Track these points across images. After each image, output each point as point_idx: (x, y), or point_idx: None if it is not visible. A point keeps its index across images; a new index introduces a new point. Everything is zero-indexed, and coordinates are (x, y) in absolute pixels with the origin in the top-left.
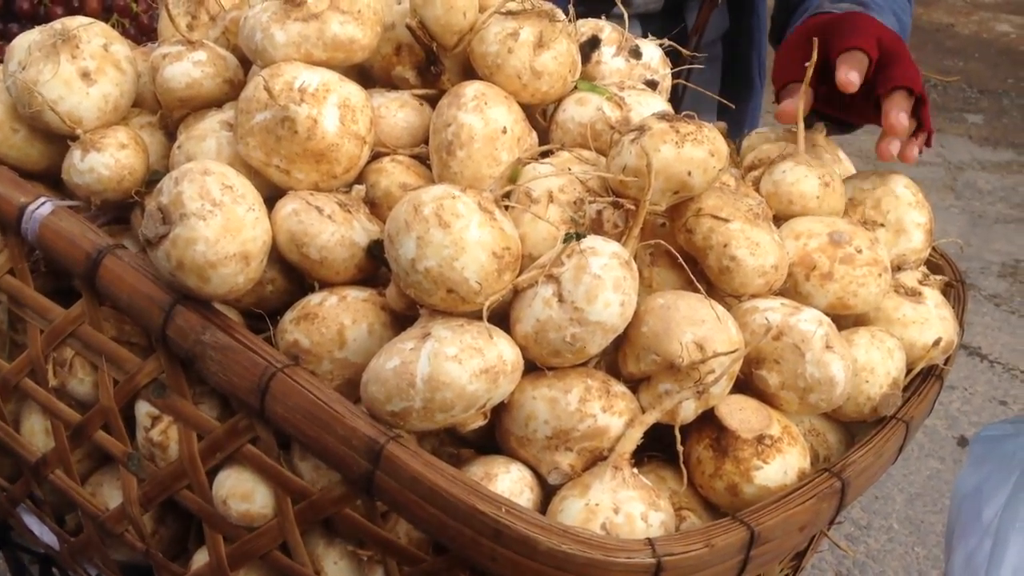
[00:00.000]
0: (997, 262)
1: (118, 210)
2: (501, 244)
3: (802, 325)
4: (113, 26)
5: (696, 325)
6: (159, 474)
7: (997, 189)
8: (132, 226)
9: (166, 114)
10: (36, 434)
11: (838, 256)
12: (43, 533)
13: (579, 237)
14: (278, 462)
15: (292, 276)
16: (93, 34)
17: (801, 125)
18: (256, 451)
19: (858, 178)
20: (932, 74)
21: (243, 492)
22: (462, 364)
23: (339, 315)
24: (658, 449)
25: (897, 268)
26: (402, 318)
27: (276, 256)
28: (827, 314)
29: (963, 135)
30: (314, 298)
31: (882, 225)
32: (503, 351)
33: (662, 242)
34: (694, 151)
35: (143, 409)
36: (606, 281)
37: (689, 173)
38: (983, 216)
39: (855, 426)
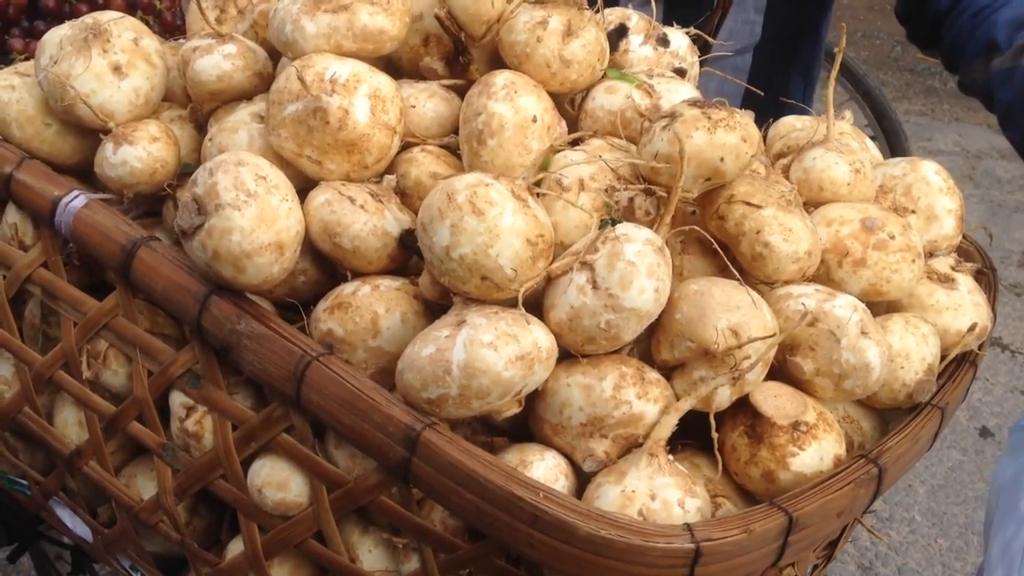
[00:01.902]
0: (1017, 251)
1: (150, 203)
2: (535, 231)
3: (837, 311)
4: None
5: (731, 311)
6: (194, 464)
7: (1017, 178)
8: (164, 219)
9: (196, 107)
10: (69, 426)
11: (871, 242)
12: (76, 525)
13: (614, 223)
14: (313, 451)
15: (324, 267)
16: (124, 28)
17: (831, 112)
18: (291, 440)
19: (888, 165)
20: None
21: (278, 481)
22: (498, 351)
23: (372, 304)
24: (692, 436)
25: (929, 254)
26: (435, 307)
27: (308, 247)
28: (860, 300)
29: (982, 123)
30: (347, 287)
31: (913, 211)
32: (538, 338)
33: (696, 228)
34: (727, 137)
35: (177, 400)
36: (640, 267)
37: (722, 159)
38: (1003, 205)
39: (889, 413)
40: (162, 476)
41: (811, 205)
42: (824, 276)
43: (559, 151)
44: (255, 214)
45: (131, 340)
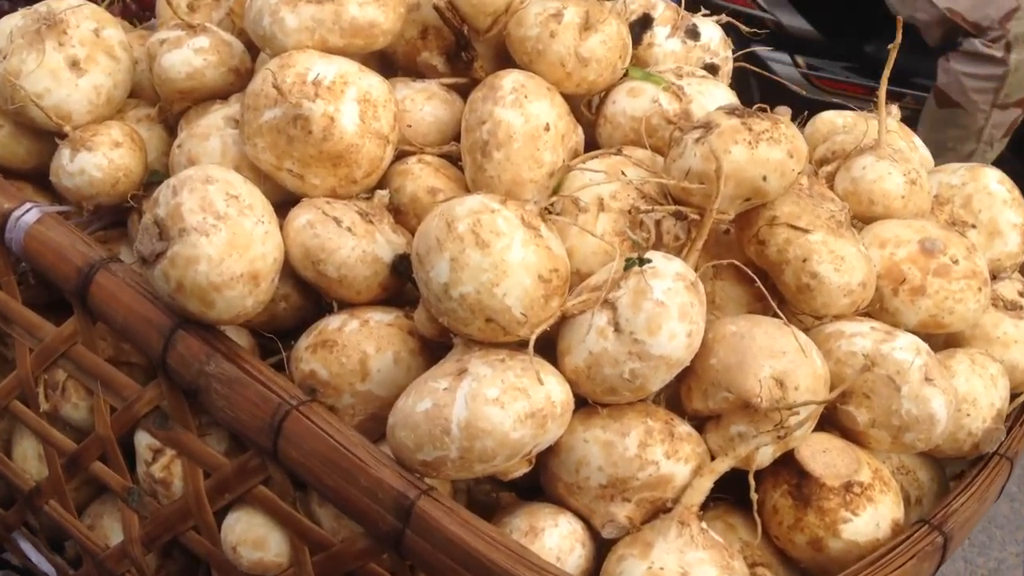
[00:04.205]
0: None
1: (113, 214)
2: (548, 266)
3: (897, 354)
4: (112, 3)
5: (775, 357)
6: (162, 512)
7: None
8: (129, 232)
9: (165, 107)
10: (29, 460)
11: (931, 267)
12: (40, 562)
13: (641, 263)
14: (294, 507)
15: (308, 291)
16: (82, 17)
17: (883, 114)
18: (269, 493)
19: (944, 172)
20: None
21: (255, 538)
22: (504, 408)
23: (361, 343)
24: (726, 491)
25: (992, 276)
26: (433, 344)
27: (290, 270)
28: (917, 334)
29: None
30: (332, 322)
31: (973, 226)
32: (552, 391)
33: (735, 262)
34: (770, 152)
35: (143, 441)
36: (671, 308)
37: (764, 178)
38: None
39: (947, 459)
40: (128, 523)
41: (859, 220)
42: (877, 306)
43: (575, 168)
44: (225, 240)
45: (91, 371)
